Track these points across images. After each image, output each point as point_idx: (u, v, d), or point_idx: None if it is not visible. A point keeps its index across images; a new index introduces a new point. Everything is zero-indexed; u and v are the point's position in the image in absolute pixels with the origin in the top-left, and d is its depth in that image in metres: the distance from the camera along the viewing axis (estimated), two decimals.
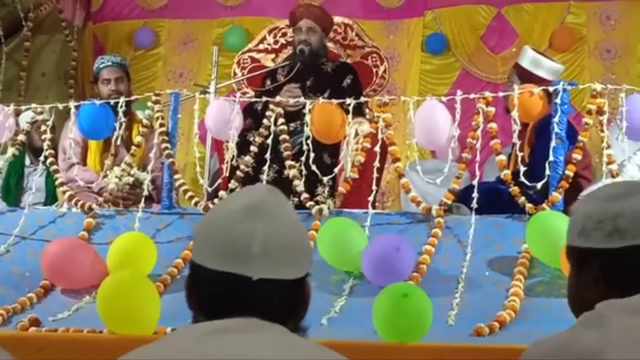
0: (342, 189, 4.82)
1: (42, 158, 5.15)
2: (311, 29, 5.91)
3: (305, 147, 4.75)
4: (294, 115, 5.37)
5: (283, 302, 1.52)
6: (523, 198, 4.46)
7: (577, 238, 1.67)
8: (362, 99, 5.03)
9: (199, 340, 1.47)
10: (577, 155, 4.48)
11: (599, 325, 1.55)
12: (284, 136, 4.90)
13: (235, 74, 6.36)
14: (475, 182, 4.55)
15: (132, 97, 5.44)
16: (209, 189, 5.04)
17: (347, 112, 4.73)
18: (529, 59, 5.34)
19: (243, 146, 5.07)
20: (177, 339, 1.52)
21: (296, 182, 4.79)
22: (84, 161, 5.65)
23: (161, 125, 5.01)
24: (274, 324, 1.50)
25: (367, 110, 5.51)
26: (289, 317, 1.54)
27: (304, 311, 1.58)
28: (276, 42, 6.38)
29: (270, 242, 1.50)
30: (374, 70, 6.24)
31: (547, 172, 4.44)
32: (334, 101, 4.82)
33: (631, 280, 1.62)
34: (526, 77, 5.20)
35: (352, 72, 5.90)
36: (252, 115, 5.52)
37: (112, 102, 5.14)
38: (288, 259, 1.52)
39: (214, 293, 1.52)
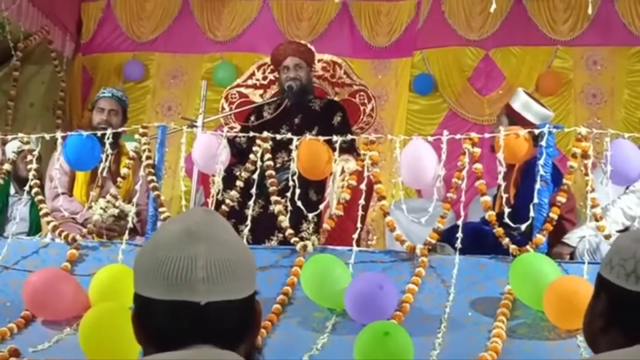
0: (326, 225, 4.82)
1: (27, 188, 5.13)
2: (298, 65, 5.92)
3: (291, 183, 4.75)
4: (281, 145, 5.38)
5: (234, 323, 1.49)
6: (507, 239, 4.47)
7: (604, 267, 1.68)
8: (350, 137, 5.02)
9: None
10: (561, 198, 4.50)
11: None
12: (270, 172, 4.90)
13: (223, 108, 6.36)
14: (459, 222, 4.55)
15: (120, 129, 5.43)
16: None
17: (335, 149, 4.75)
18: (520, 101, 5.27)
19: (229, 180, 5.07)
20: None
21: (281, 217, 4.79)
22: (70, 191, 5.62)
23: (148, 157, 5.01)
24: (227, 351, 1.47)
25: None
26: (243, 338, 1.51)
27: (257, 330, 1.56)
28: (265, 77, 6.38)
29: (213, 264, 1.47)
30: (362, 108, 6.24)
31: (532, 214, 4.46)
32: (320, 138, 4.84)
33: (632, 327, 1.61)
34: (515, 118, 5.15)
35: (341, 110, 5.90)
36: (235, 147, 5.54)
37: (99, 133, 5.15)
38: (233, 278, 1.48)
39: (163, 323, 1.47)
